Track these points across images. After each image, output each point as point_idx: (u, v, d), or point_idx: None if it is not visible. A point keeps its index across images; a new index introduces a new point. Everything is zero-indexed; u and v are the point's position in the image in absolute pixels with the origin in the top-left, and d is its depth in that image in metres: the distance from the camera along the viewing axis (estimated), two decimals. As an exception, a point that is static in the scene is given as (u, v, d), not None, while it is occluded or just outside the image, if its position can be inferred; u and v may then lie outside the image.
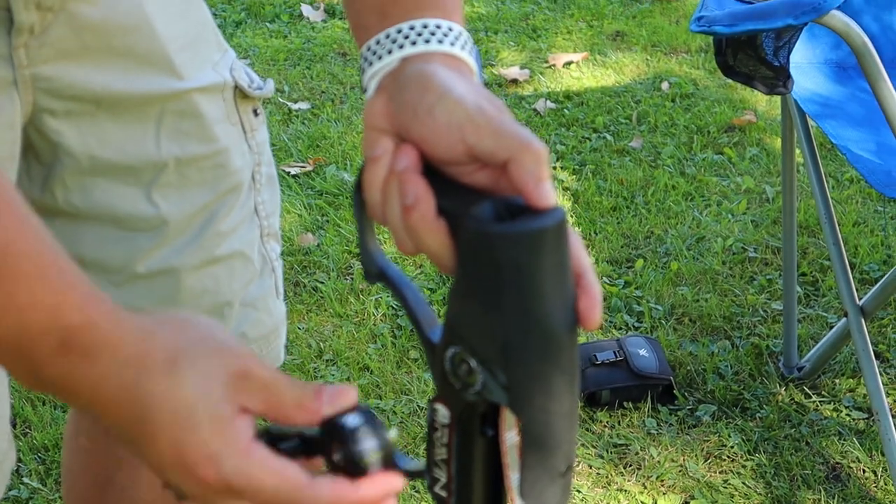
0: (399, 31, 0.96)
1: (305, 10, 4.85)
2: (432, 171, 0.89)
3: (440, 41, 0.95)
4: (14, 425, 2.56)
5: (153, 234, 1.34)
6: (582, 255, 0.86)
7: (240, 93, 1.34)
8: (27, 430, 2.55)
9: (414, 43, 0.95)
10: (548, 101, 4.06)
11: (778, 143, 3.68)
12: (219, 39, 1.36)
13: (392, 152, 0.89)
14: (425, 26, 0.96)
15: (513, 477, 0.88)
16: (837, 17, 1.77)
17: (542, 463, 0.86)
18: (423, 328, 0.90)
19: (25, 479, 2.41)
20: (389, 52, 0.96)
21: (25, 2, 1.13)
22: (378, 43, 0.97)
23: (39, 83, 1.19)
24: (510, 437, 0.87)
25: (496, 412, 0.88)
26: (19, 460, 2.46)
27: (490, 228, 0.82)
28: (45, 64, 1.18)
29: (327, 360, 2.77)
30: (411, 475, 0.94)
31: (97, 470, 1.62)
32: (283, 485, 0.87)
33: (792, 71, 2.01)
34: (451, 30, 0.96)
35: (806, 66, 2.41)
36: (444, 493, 0.92)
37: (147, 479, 1.61)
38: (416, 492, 2.35)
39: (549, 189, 0.83)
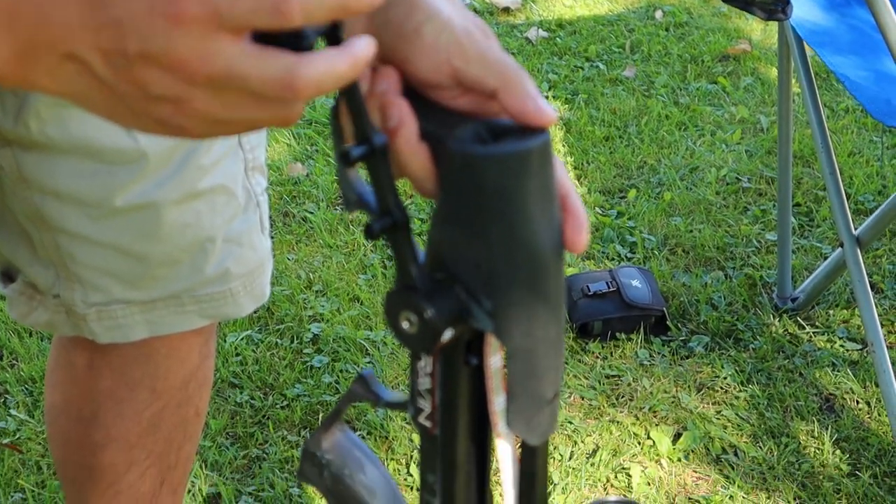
0: None
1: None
2: (414, 93, 0.86)
3: None
4: (0, 357, 2.54)
5: (132, 167, 1.31)
6: (565, 178, 0.84)
7: None
8: (14, 362, 2.53)
9: None
10: (540, 30, 4.01)
11: (772, 72, 3.64)
12: None
13: (371, 74, 0.86)
14: None
15: (497, 401, 0.87)
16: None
17: (529, 390, 0.85)
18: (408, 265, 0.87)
19: (13, 412, 2.39)
20: None
21: None
22: None
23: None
24: (494, 361, 0.86)
25: (481, 340, 0.86)
26: (6, 392, 2.44)
27: (474, 150, 0.80)
28: None
29: (317, 291, 2.75)
30: (394, 406, 0.94)
31: (80, 405, 1.60)
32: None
33: (790, -2, 1.97)
34: None
35: (804, -6, 2.37)
36: (428, 423, 0.90)
37: (130, 413, 1.59)
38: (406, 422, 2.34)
39: (548, 107, 0.81)
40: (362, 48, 0.76)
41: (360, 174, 0.91)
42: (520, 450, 0.90)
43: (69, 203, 1.34)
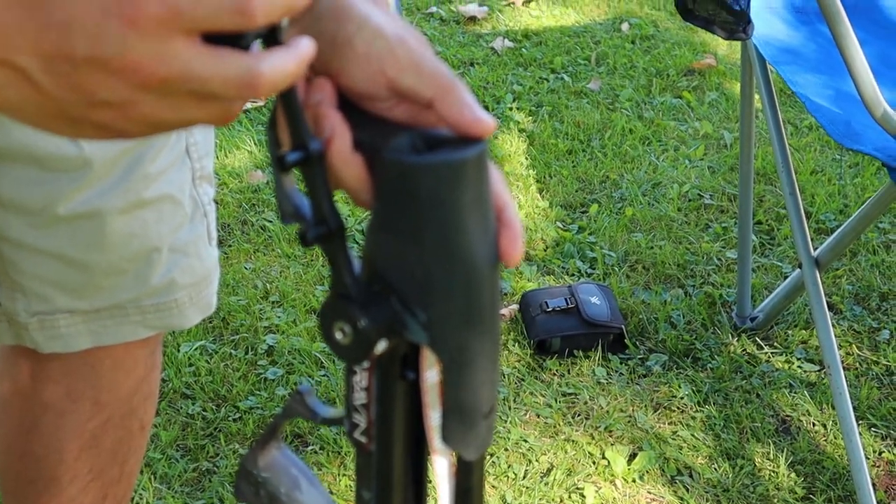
0: None
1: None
2: (348, 105, 0.85)
3: None
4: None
5: (76, 174, 1.28)
6: (502, 190, 0.84)
7: None
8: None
9: None
10: (506, 40, 3.99)
11: (737, 87, 3.63)
12: None
13: (305, 86, 0.85)
14: None
15: (432, 416, 0.86)
16: (800, -38, 1.71)
17: (464, 404, 0.84)
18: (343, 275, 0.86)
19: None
20: None
21: None
22: None
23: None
24: (430, 375, 0.85)
25: (417, 354, 0.85)
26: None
27: (409, 160, 0.80)
28: None
29: (273, 302, 2.72)
30: (330, 422, 0.92)
31: (22, 415, 1.57)
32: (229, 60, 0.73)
33: (752, 15, 1.96)
34: None
35: (766, 10, 2.35)
36: (363, 439, 0.89)
37: (72, 425, 1.56)
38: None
39: (486, 115, 0.81)
40: (306, 47, 0.75)
41: (297, 186, 0.89)
42: (455, 465, 0.89)
43: (11, 211, 1.32)
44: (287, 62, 0.73)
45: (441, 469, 0.88)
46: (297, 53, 0.74)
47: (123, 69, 0.70)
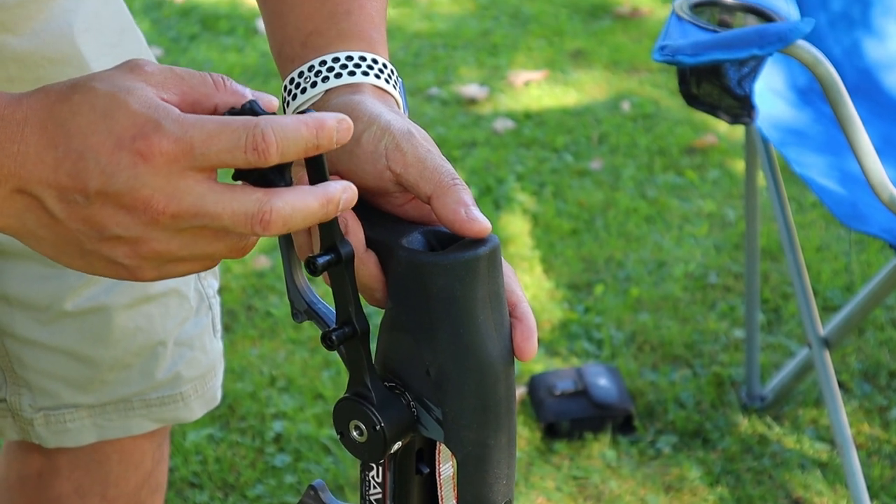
0: (323, 63, 0.93)
1: (260, 25, 4.78)
2: (361, 203, 0.86)
3: (366, 73, 0.92)
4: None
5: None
6: (515, 285, 0.85)
7: None
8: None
9: (339, 75, 0.92)
10: (507, 120, 4.01)
11: (740, 165, 3.64)
12: None
13: None
14: (350, 58, 0.93)
15: None
16: (804, 48, 1.71)
17: (480, 499, 0.84)
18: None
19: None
20: (314, 84, 0.92)
21: None
22: (302, 75, 0.93)
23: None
24: (445, 469, 0.87)
25: (432, 448, 0.86)
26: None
27: (422, 258, 0.81)
28: None
29: (280, 388, 2.70)
30: None
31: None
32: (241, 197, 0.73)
33: (756, 98, 1.96)
34: (375, 62, 0.93)
35: (769, 93, 2.36)
36: None
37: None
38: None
39: (481, 216, 0.81)
40: (337, 190, 0.75)
41: (311, 284, 0.89)
42: None
43: (18, 307, 1.32)
44: (306, 202, 0.73)
45: None
46: (323, 195, 0.74)
47: (134, 204, 0.70)
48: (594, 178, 3.66)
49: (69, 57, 1.17)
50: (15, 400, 1.39)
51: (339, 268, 0.81)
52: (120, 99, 0.72)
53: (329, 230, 0.80)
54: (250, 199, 0.72)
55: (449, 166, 0.83)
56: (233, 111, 0.76)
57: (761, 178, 2.49)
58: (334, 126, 0.74)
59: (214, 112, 0.75)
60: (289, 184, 0.75)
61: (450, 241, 0.83)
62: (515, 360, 0.84)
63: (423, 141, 0.85)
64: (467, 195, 0.82)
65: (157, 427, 1.46)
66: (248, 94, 0.77)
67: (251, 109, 0.75)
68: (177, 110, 0.73)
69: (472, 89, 4.24)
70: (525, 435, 2.56)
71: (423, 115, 3.98)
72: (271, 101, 0.77)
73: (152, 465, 1.55)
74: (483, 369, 0.81)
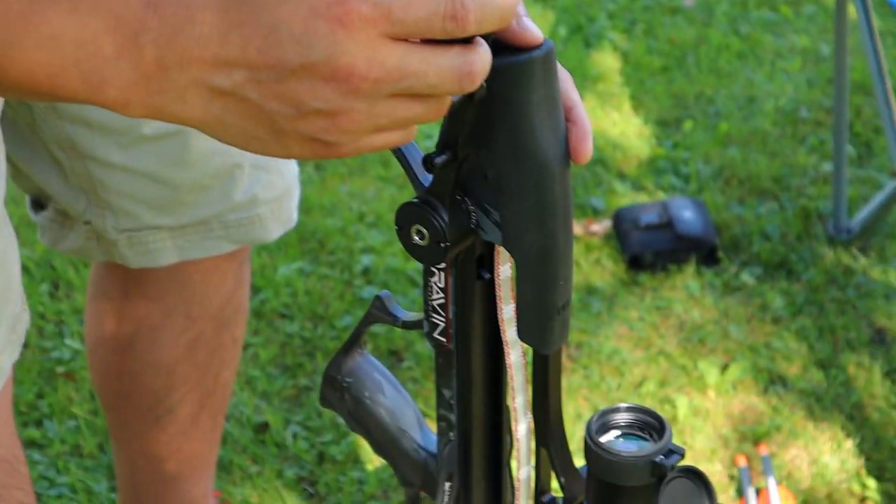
0: None
1: None
2: None
3: None
4: (57, 287, 2.58)
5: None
6: (571, 90, 0.85)
7: None
8: (70, 293, 2.56)
9: None
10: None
11: (836, -1, 3.57)
12: None
13: None
14: None
15: (505, 309, 0.89)
16: None
17: (539, 300, 0.86)
18: (419, 177, 0.88)
19: (68, 341, 2.42)
20: None
21: None
22: None
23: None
24: (503, 271, 0.88)
25: (492, 253, 0.88)
26: (62, 322, 2.48)
27: None
28: None
29: (368, 223, 2.75)
30: (411, 325, 0.95)
31: (118, 334, 1.62)
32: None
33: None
34: None
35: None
36: (442, 339, 0.92)
37: (167, 340, 1.61)
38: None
39: (533, 25, 0.81)
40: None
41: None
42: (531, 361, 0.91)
43: (98, 131, 1.35)
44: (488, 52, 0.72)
45: (513, 362, 0.91)
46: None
47: (335, 74, 0.67)
48: (686, 16, 3.62)
49: None
50: (99, 222, 1.43)
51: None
52: None
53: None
54: (452, 54, 0.70)
55: None
56: None
57: (853, 11, 2.45)
58: None
59: None
60: None
61: (506, 46, 0.81)
62: (573, 164, 0.85)
63: None
64: (520, 6, 0.83)
65: (236, 248, 1.51)
66: None
67: None
68: None
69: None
70: (609, 267, 2.58)
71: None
72: None
73: (234, 285, 1.60)
74: (540, 170, 0.82)
